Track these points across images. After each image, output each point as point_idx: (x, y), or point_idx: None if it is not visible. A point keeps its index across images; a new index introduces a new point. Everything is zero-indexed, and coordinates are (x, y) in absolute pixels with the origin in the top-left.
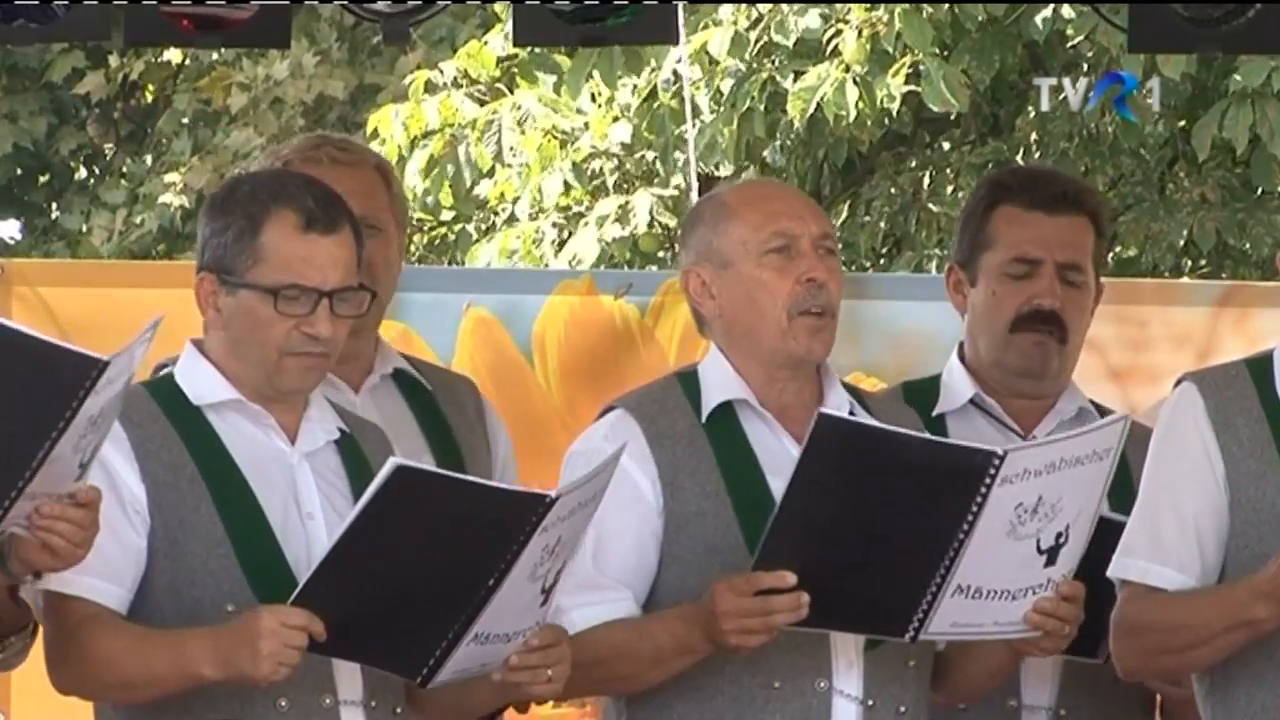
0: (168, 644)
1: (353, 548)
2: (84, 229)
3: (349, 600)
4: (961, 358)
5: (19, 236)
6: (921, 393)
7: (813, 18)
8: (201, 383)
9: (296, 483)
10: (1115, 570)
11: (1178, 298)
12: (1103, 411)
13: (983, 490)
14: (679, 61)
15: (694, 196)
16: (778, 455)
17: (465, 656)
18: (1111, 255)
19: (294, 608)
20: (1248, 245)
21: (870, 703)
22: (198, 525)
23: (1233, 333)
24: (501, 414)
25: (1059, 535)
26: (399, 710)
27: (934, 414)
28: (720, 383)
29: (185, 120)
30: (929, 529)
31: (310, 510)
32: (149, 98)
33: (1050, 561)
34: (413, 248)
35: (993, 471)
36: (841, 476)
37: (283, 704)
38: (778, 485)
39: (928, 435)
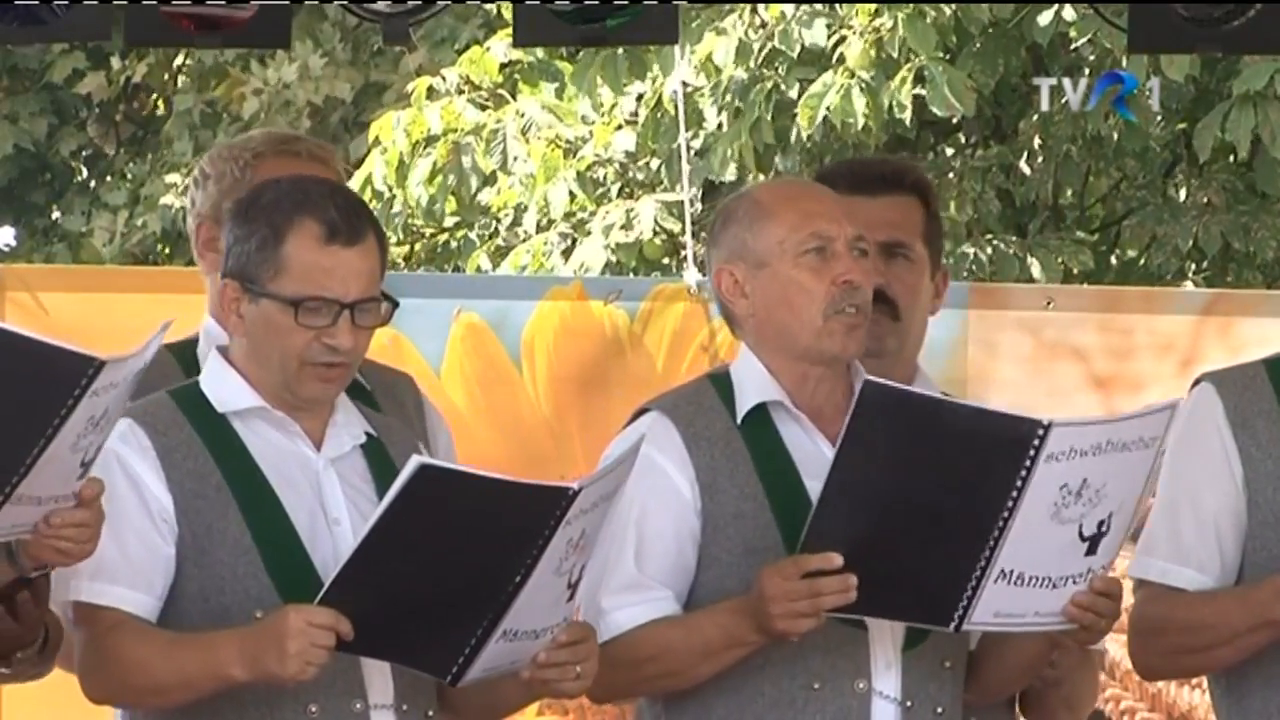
0: (197, 646)
1: (378, 547)
2: (85, 230)
3: (375, 599)
4: None
5: (14, 243)
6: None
7: (818, 29)
8: (227, 390)
9: (323, 489)
10: (1134, 570)
11: (1162, 305)
12: None
13: (1027, 463)
14: (681, 85)
15: (692, 204)
16: (813, 457)
17: (494, 654)
18: (1114, 258)
19: (320, 607)
20: (1251, 249)
21: (909, 703)
22: (225, 533)
23: (1217, 341)
24: (490, 422)
25: (1101, 523)
26: (431, 714)
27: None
28: (754, 384)
29: (195, 121)
30: (975, 503)
31: (337, 516)
32: (152, 99)
33: (1091, 550)
34: (414, 254)
35: (1037, 441)
36: (888, 446)
37: (313, 709)
38: (814, 487)
39: (972, 402)
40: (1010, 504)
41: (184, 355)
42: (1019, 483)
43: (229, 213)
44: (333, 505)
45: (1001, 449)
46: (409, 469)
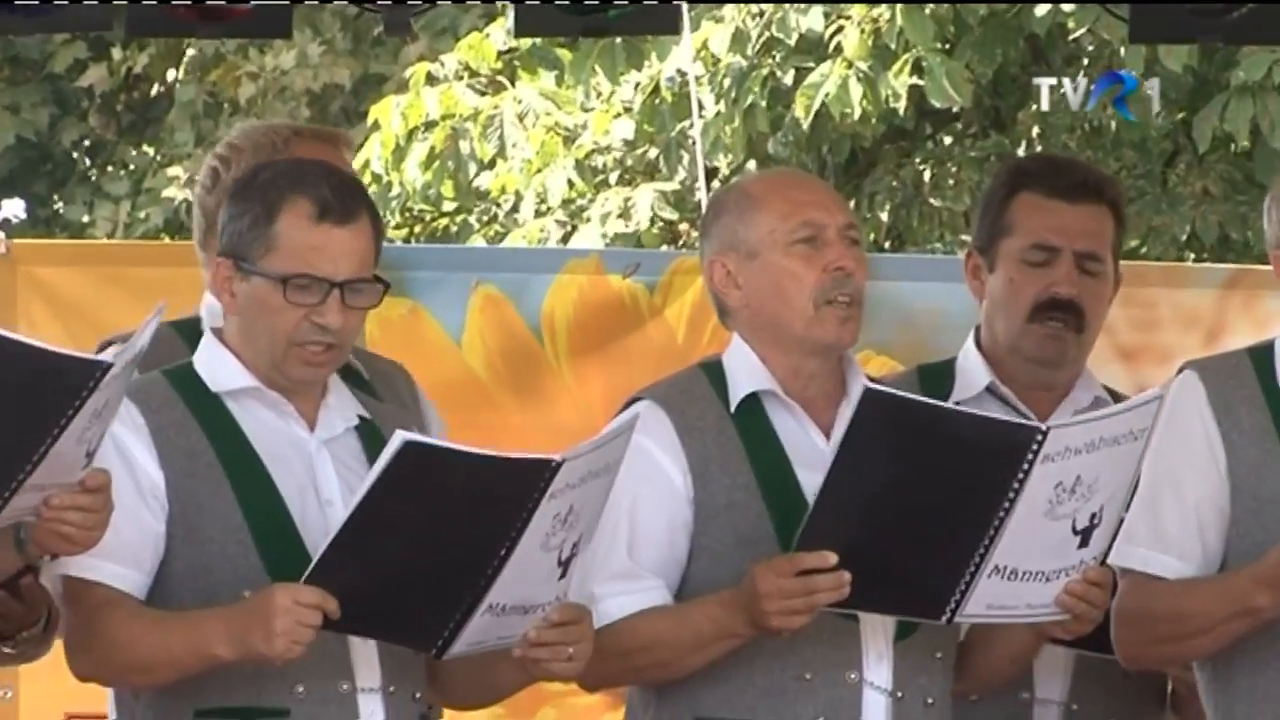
0: (184, 625)
1: (363, 524)
2: (87, 220)
3: (362, 576)
4: (978, 343)
5: (23, 215)
6: (936, 377)
7: (815, 17)
8: (220, 370)
9: (315, 470)
10: (1116, 558)
11: (1185, 280)
12: (1116, 398)
13: (1025, 467)
14: (683, 71)
15: (700, 191)
16: (805, 446)
17: (481, 628)
18: None
19: (307, 586)
20: (1250, 238)
21: (900, 694)
22: (216, 511)
23: (1240, 315)
24: (513, 391)
25: (1093, 516)
26: (418, 696)
27: (949, 400)
28: (747, 373)
29: (198, 110)
30: (971, 506)
31: (329, 497)
32: (153, 89)
33: (1084, 543)
34: (414, 239)
35: (1035, 447)
36: (886, 452)
37: (300, 690)
38: (806, 477)
39: (971, 410)
40: (1007, 505)
41: (186, 331)
42: (1016, 485)
43: (227, 192)
44: (325, 486)
45: (1000, 455)
46: (393, 445)
